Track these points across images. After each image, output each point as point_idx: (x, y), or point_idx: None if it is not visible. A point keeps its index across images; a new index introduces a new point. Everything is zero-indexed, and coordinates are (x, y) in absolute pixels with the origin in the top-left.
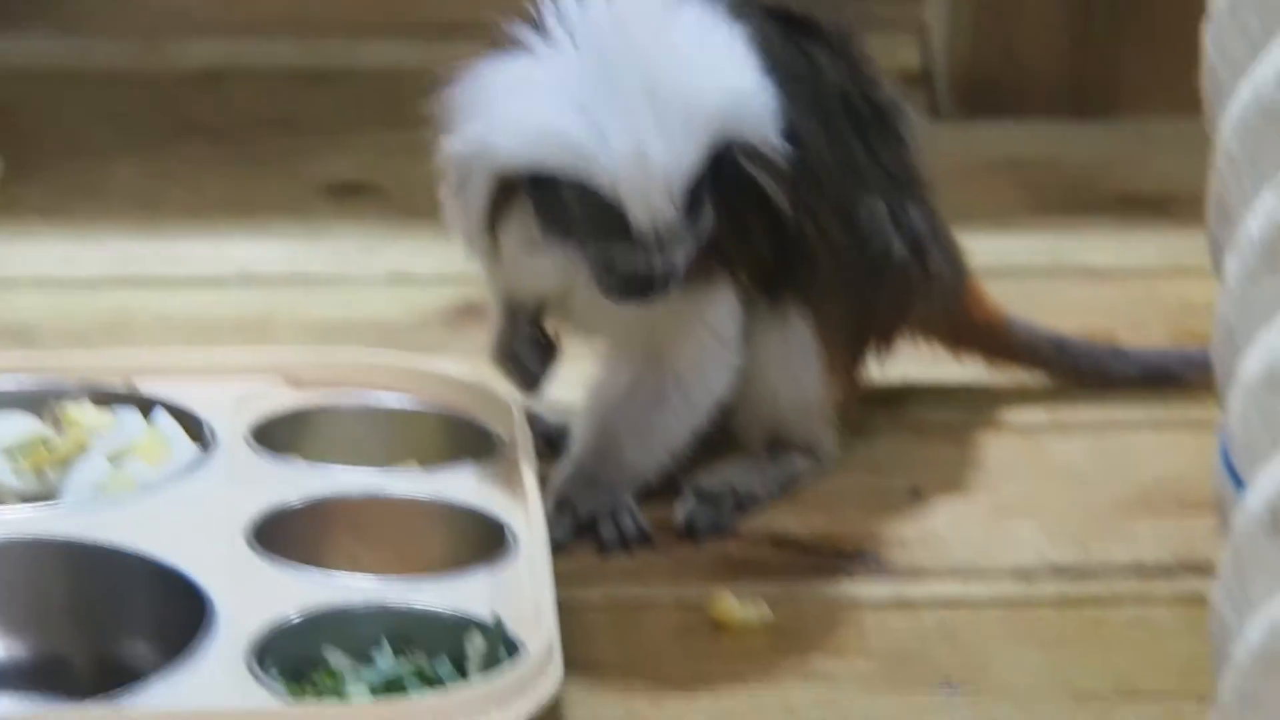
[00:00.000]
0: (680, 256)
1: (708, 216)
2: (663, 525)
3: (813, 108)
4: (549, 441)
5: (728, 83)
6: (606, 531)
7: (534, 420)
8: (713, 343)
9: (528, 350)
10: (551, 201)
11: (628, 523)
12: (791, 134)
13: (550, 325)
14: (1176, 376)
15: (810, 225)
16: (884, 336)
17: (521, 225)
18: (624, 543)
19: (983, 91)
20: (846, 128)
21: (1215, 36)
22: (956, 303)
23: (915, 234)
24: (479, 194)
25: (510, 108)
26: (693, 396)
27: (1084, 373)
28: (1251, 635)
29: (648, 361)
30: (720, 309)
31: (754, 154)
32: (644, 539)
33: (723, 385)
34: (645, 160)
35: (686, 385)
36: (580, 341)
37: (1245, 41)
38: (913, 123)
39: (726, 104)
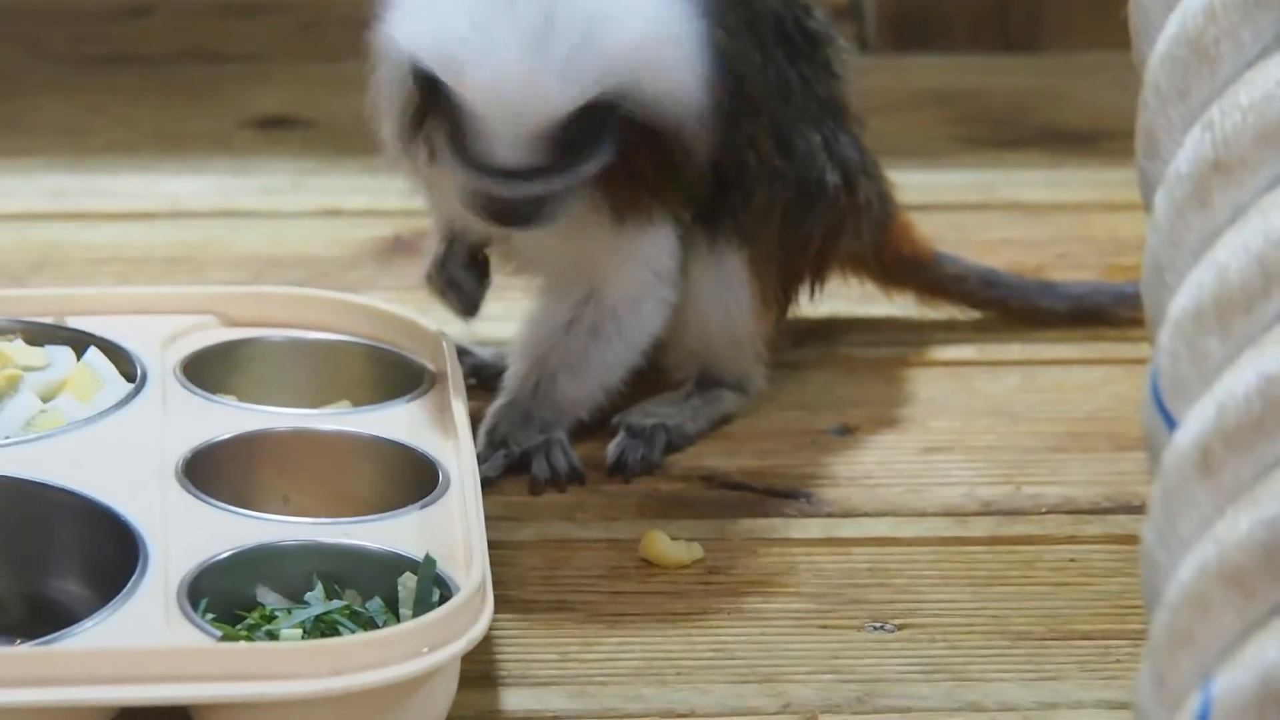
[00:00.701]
0: (547, 190)
1: (597, 158)
2: (594, 463)
3: (748, 34)
4: (480, 376)
5: (633, 30)
6: (538, 468)
7: (465, 355)
8: (650, 278)
9: (463, 274)
10: (444, 111)
11: (560, 459)
12: (727, 61)
13: (487, 253)
14: (1106, 312)
15: (750, 154)
16: (815, 269)
17: (436, 139)
18: (556, 479)
19: (910, 24)
20: (781, 55)
21: None
22: (885, 235)
23: (846, 163)
24: (395, 94)
25: (421, 6)
26: (628, 332)
27: (1013, 308)
28: (1182, 574)
29: (583, 296)
30: (658, 245)
31: (661, 104)
32: (576, 475)
33: (659, 321)
34: (514, 91)
35: (622, 321)
36: (516, 275)
37: None
38: (843, 52)
39: (626, 54)
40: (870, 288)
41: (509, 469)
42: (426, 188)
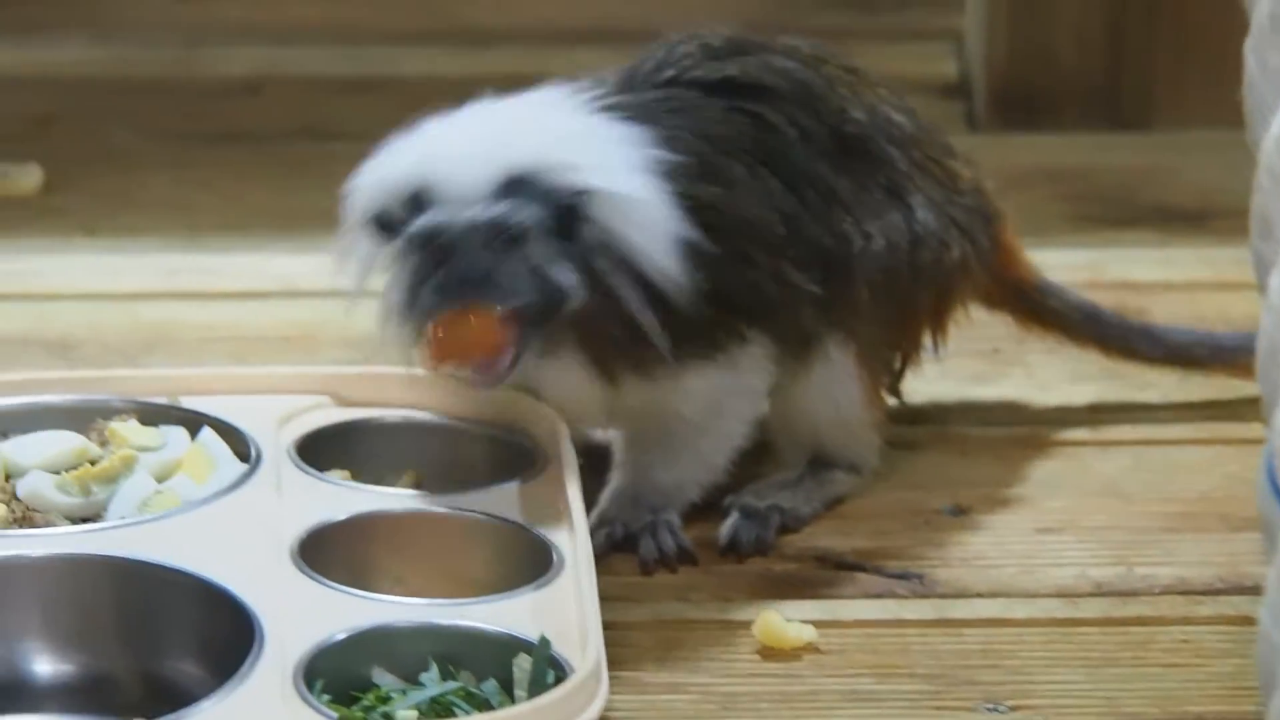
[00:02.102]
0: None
1: (550, 281)
2: (707, 543)
3: (759, 165)
4: (593, 458)
5: (553, 130)
6: (645, 548)
7: (579, 436)
8: (721, 385)
9: None
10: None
11: (667, 539)
12: (718, 202)
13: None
14: (1202, 362)
15: (771, 285)
16: (934, 326)
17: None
18: (665, 559)
19: (1019, 102)
20: (827, 169)
21: (1256, 50)
22: (990, 261)
23: (930, 231)
24: (359, 246)
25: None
26: (715, 434)
27: (1111, 345)
28: None
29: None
30: (741, 374)
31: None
32: (686, 556)
33: (750, 409)
34: (455, 162)
35: (707, 428)
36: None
37: None
38: (894, 135)
39: (545, 144)
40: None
41: (620, 549)
42: None
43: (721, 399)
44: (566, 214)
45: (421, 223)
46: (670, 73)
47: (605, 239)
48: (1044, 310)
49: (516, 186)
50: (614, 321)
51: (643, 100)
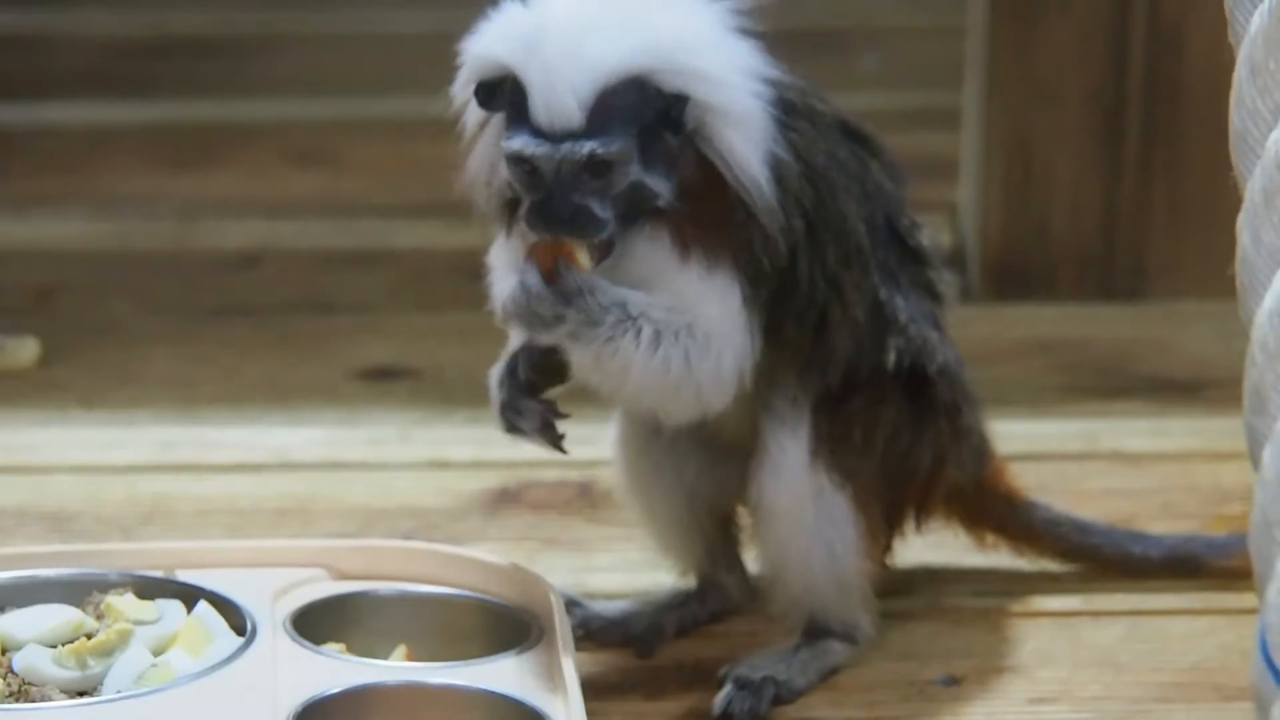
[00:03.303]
0: (600, 154)
1: (638, 140)
2: (702, 712)
3: (859, 201)
4: (588, 629)
5: (674, 28)
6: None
7: (574, 607)
8: (728, 315)
9: (526, 403)
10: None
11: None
12: (805, 167)
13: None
14: (1201, 561)
15: (836, 306)
16: (921, 500)
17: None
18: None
19: (1013, 273)
20: (887, 239)
21: (1250, 225)
22: (984, 471)
23: (948, 366)
24: (477, 139)
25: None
26: (716, 352)
27: (1106, 557)
28: None
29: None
30: (725, 294)
31: (710, 116)
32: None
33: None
34: (563, 57)
35: (712, 342)
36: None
37: (1278, 234)
38: (946, 282)
39: (665, 42)
40: (963, 534)
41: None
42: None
43: (723, 315)
44: (669, 112)
45: (516, 146)
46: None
47: (706, 135)
48: (1037, 526)
49: (614, 100)
50: (704, 198)
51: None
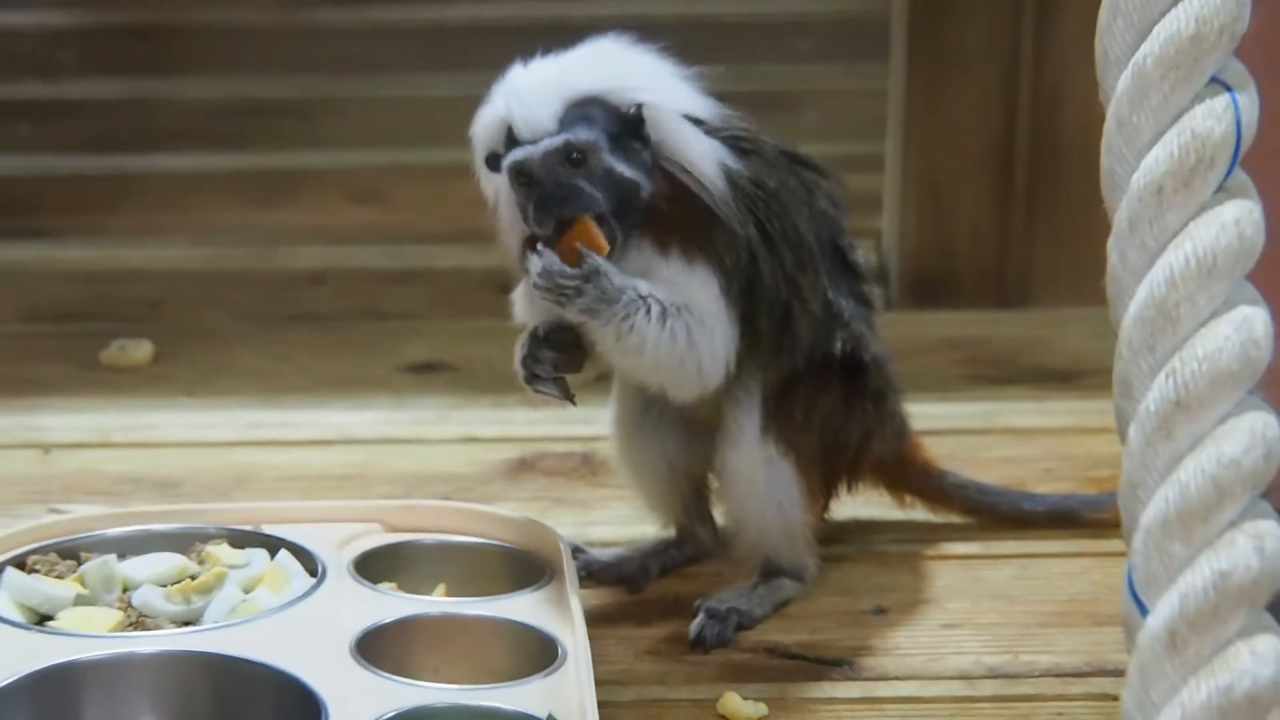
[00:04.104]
0: (573, 143)
1: (623, 178)
2: (679, 638)
3: (802, 216)
4: (590, 571)
5: (624, 63)
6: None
7: (578, 553)
8: (710, 300)
9: (544, 366)
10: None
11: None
12: (780, 216)
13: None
14: (1078, 515)
15: (796, 302)
16: (850, 469)
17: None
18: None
19: (926, 285)
20: (830, 254)
21: (1118, 247)
22: (904, 447)
23: (879, 357)
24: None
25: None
26: (709, 326)
27: (1002, 512)
28: None
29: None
30: (705, 283)
31: (669, 145)
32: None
33: (728, 343)
34: (534, 88)
35: (705, 318)
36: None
37: (1142, 253)
38: (874, 293)
39: (616, 73)
40: (886, 497)
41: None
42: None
43: (706, 299)
44: (631, 123)
45: (509, 159)
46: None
47: (662, 141)
48: (948, 489)
49: (580, 110)
50: (675, 205)
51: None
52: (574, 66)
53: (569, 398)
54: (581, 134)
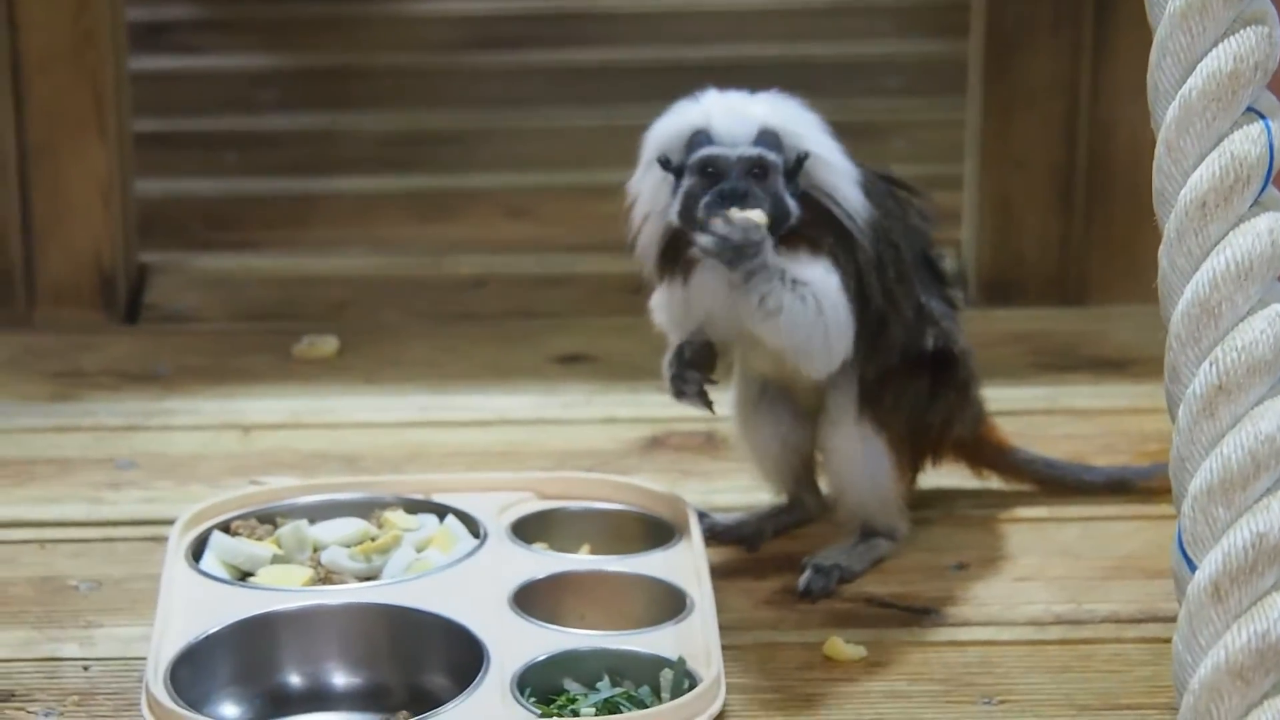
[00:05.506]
0: (758, 159)
1: (784, 202)
2: (789, 590)
3: (900, 233)
4: (713, 533)
5: (787, 114)
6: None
7: (703, 517)
8: (830, 280)
9: (692, 374)
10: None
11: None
12: (884, 233)
13: (714, 345)
14: (1131, 484)
15: (893, 313)
16: (935, 447)
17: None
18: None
19: (998, 288)
20: (920, 261)
21: (1167, 255)
22: (980, 428)
23: (965, 351)
24: (652, 213)
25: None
26: (826, 301)
27: (1066, 483)
28: (1202, 671)
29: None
30: (825, 271)
31: (816, 176)
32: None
33: (846, 318)
34: (735, 115)
35: (822, 293)
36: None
37: (1189, 259)
38: (958, 296)
39: (785, 120)
40: (965, 470)
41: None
42: (679, 299)
43: (824, 277)
44: (797, 163)
45: (704, 153)
46: None
47: (817, 183)
48: (1018, 463)
49: (768, 137)
50: (807, 229)
51: None
52: (762, 102)
53: (710, 408)
54: (771, 155)
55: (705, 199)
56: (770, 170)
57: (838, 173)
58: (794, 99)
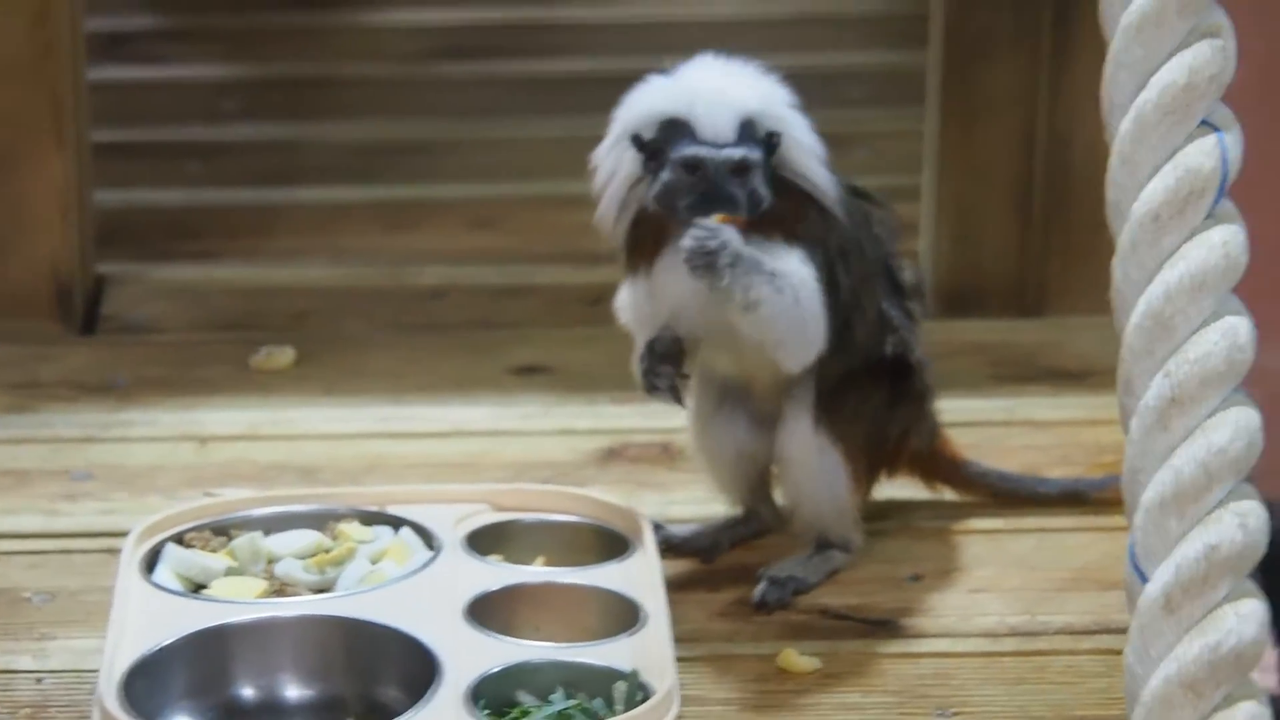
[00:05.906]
0: (743, 159)
1: (759, 193)
2: (744, 601)
3: (865, 238)
4: (668, 545)
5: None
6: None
7: (659, 529)
8: (806, 271)
9: (663, 370)
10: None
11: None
12: (849, 231)
13: (682, 342)
14: (1085, 495)
15: (857, 314)
16: (890, 460)
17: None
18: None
19: (957, 297)
20: (884, 272)
21: (1121, 267)
22: (935, 442)
23: (922, 361)
24: (621, 163)
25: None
26: (803, 293)
27: (1021, 494)
28: (1153, 683)
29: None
30: (801, 259)
31: (792, 159)
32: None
33: (819, 309)
34: (718, 98)
35: (799, 283)
36: (705, 352)
37: (1142, 271)
38: (920, 304)
39: (768, 104)
40: (919, 485)
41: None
42: (646, 294)
43: (801, 268)
44: (772, 147)
45: (688, 152)
46: None
47: (789, 163)
48: (973, 476)
49: (747, 127)
50: (781, 212)
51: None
52: (741, 84)
53: (680, 402)
54: (753, 154)
55: (687, 200)
56: (752, 170)
57: (808, 153)
58: (762, 68)
